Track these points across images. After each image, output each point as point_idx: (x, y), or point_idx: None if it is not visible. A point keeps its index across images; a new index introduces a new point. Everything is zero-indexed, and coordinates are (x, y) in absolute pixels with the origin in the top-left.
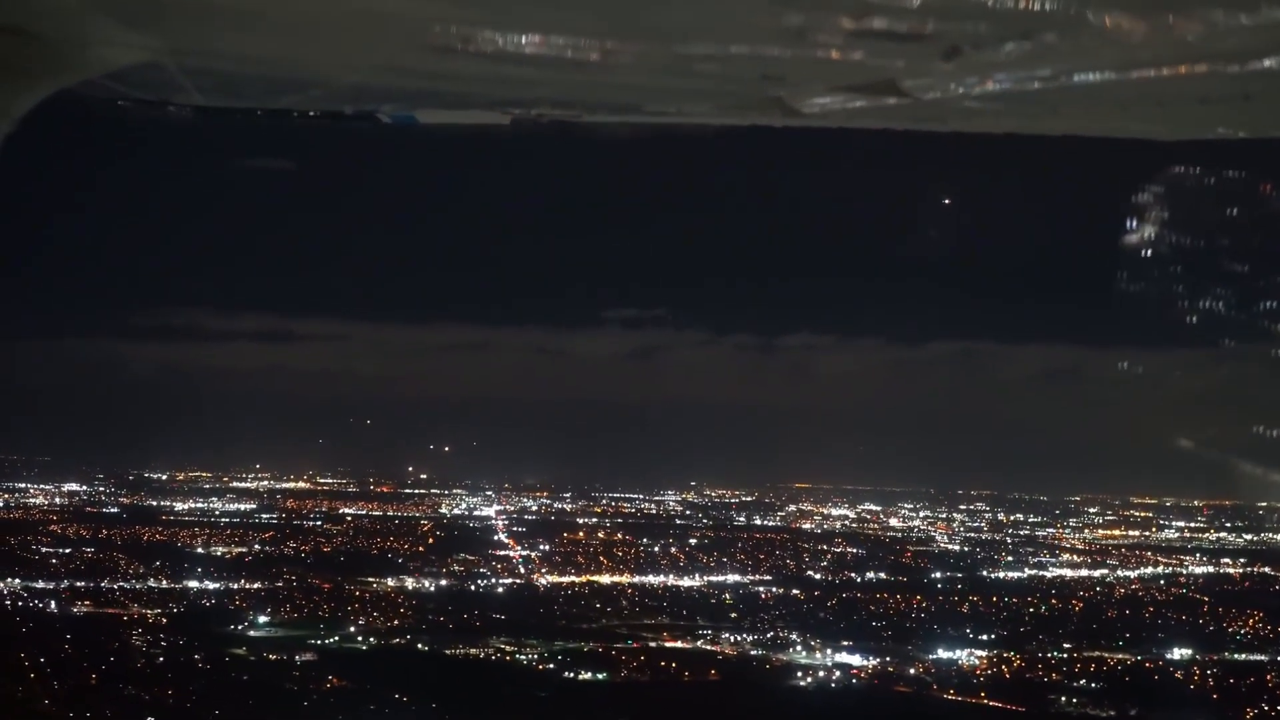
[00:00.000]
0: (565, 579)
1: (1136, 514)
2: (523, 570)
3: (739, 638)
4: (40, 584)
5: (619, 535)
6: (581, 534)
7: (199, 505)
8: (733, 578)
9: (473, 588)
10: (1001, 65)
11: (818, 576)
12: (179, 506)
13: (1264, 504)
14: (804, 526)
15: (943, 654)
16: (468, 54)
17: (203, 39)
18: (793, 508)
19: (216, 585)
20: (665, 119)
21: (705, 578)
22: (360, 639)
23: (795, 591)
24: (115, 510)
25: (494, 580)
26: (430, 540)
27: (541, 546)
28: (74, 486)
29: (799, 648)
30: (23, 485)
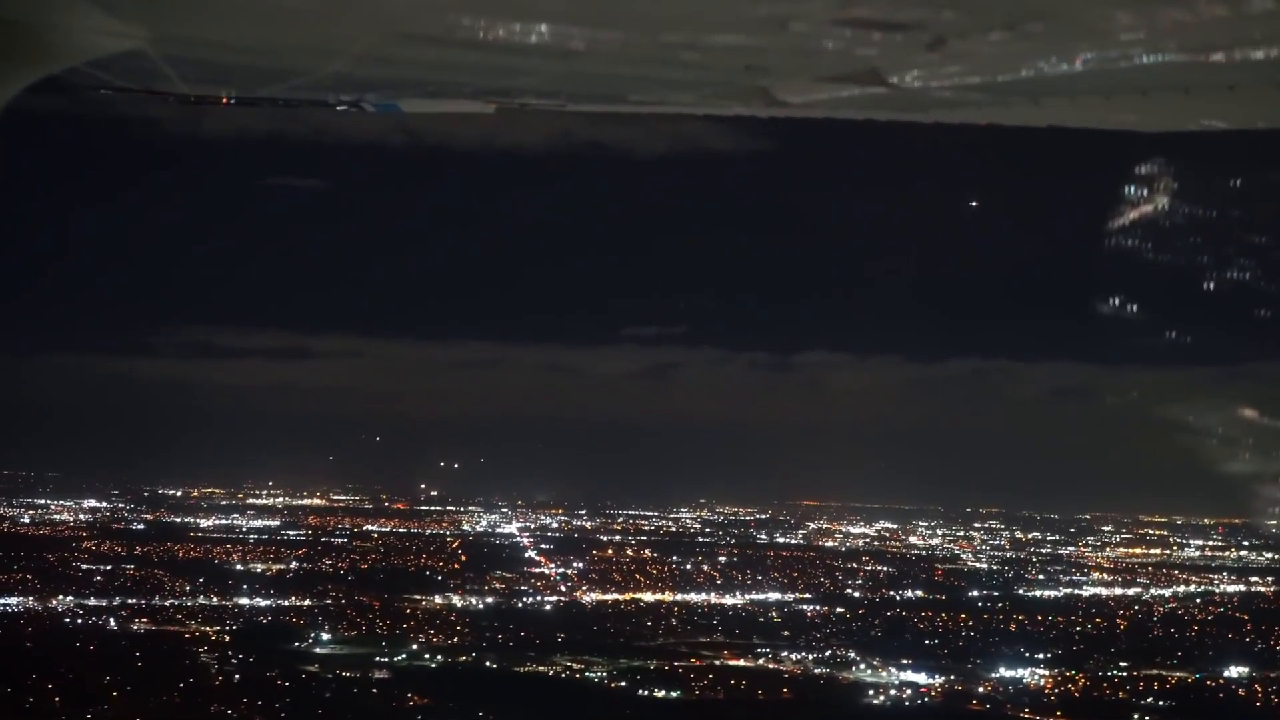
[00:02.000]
0: (608, 596)
1: (1151, 532)
2: (563, 588)
3: (798, 656)
4: (93, 601)
5: (647, 553)
6: (609, 551)
7: (223, 521)
8: (773, 595)
9: (519, 605)
10: (985, 55)
11: (857, 594)
12: (204, 523)
13: (1275, 523)
14: (827, 544)
15: (1005, 672)
16: (451, 43)
17: (186, 27)
18: (811, 525)
19: (267, 602)
20: (649, 109)
21: (745, 595)
22: (427, 656)
23: (839, 609)
24: (142, 527)
25: (538, 598)
26: (463, 557)
27: (574, 564)
28: (94, 503)
29: (861, 666)
30: (42, 501)
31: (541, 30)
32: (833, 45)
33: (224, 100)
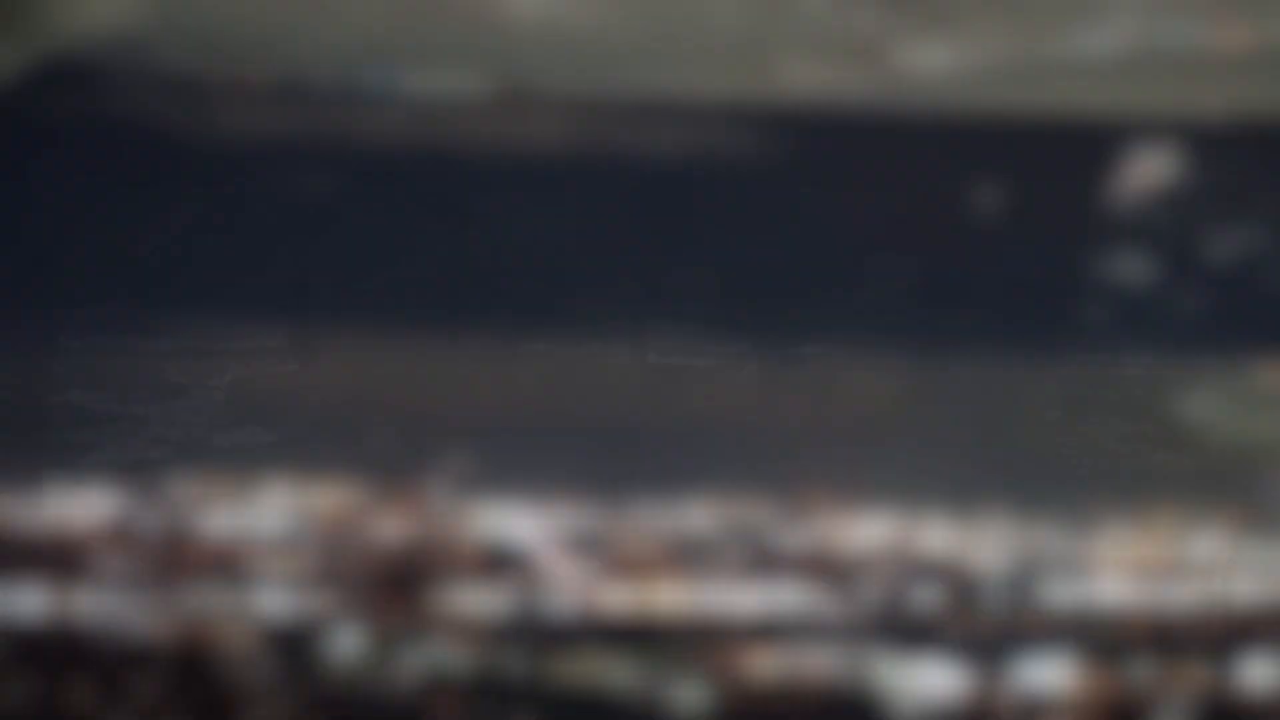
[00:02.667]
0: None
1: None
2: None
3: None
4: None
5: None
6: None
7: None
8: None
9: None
10: (985, 37)
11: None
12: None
13: None
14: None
15: (1023, 672)
16: (447, 23)
17: (183, 7)
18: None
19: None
20: (640, 93)
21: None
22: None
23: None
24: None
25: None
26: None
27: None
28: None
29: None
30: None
31: (537, 10)
32: (831, 24)
33: (221, 82)
